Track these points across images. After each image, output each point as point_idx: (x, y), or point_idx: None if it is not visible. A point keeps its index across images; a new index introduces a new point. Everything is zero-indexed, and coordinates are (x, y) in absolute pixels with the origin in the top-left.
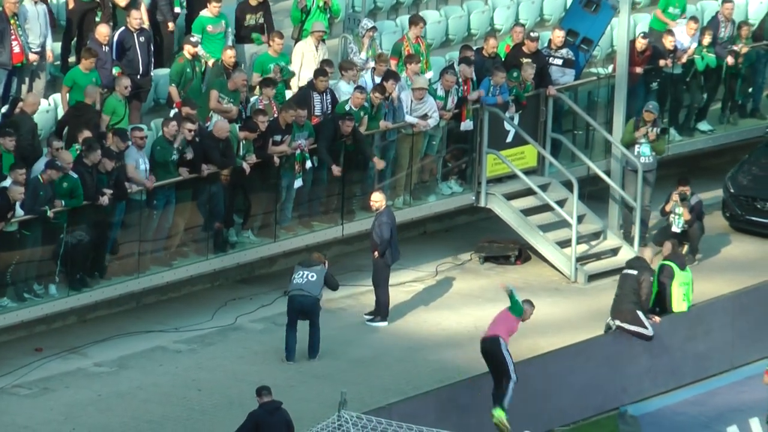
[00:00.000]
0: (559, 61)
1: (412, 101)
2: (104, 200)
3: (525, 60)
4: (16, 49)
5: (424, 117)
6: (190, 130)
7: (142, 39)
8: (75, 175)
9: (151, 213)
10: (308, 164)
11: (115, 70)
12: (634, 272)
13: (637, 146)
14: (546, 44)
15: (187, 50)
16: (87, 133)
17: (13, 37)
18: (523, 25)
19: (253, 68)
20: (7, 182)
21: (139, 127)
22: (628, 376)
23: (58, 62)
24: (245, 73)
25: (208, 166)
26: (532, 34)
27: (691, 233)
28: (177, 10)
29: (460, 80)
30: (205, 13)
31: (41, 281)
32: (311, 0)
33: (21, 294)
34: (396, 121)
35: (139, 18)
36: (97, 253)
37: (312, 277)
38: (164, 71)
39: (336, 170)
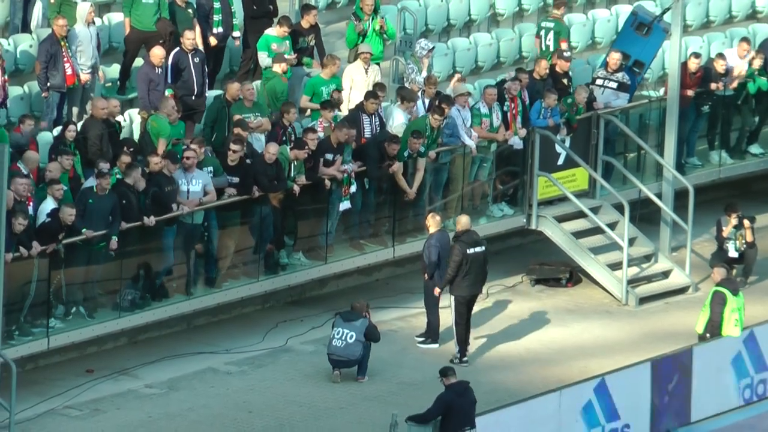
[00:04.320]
0: (614, 85)
1: (459, 111)
2: (150, 221)
3: (562, 80)
4: (69, 71)
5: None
6: (234, 152)
7: (196, 60)
8: (65, 187)
9: (202, 234)
10: (352, 188)
11: (167, 92)
12: (482, 249)
13: None
14: (602, 65)
15: (280, 67)
16: (126, 158)
17: (65, 59)
18: (574, 48)
19: (304, 90)
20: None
21: (190, 148)
22: (677, 399)
23: (109, 84)
24: (250, 83)
25: (258, 189)
26: (565, 53)
27: (748, 255)
28: (236, 33)
29: (507, 97)
30: (271, 31)
31: (91, 302)
32: (367, 23)
33: (74, 314)
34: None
35: (193, 39)
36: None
37: (351, 337)
38: (218, 92)
39: (395, 167)
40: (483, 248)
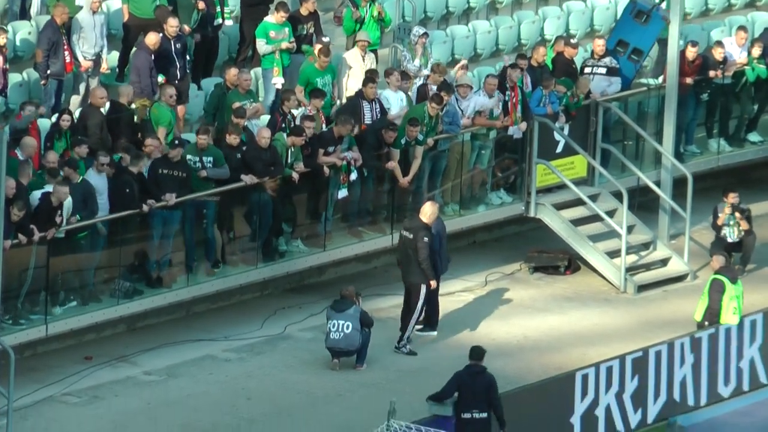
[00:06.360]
0: (603, 70)
1: (458, 100)
2: (151, 203)
3: (572, 65)
4: (68, 59)
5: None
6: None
7: (178, 45)
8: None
9: (199, 223)
10: (352, 176)
11: (160, 78)
12: (409, 234)
13: None
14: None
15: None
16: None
17: (65, 47)
18: (573, 36)
19: (298, 81)
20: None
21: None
22: (676, 386)
23: (108, 71)
24: (247, 72)
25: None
26: (572, 40)
27: (746, 243)
28: (228, 22)
29: (508, 86)
30: (269, 19)
31: (86, 291)
32: (364, 10)
33: (71, 301)
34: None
35: (176, 26)
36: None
37: (347, 327)
38: (218, 80)
39: (391, 165)
40: (410, 234)
